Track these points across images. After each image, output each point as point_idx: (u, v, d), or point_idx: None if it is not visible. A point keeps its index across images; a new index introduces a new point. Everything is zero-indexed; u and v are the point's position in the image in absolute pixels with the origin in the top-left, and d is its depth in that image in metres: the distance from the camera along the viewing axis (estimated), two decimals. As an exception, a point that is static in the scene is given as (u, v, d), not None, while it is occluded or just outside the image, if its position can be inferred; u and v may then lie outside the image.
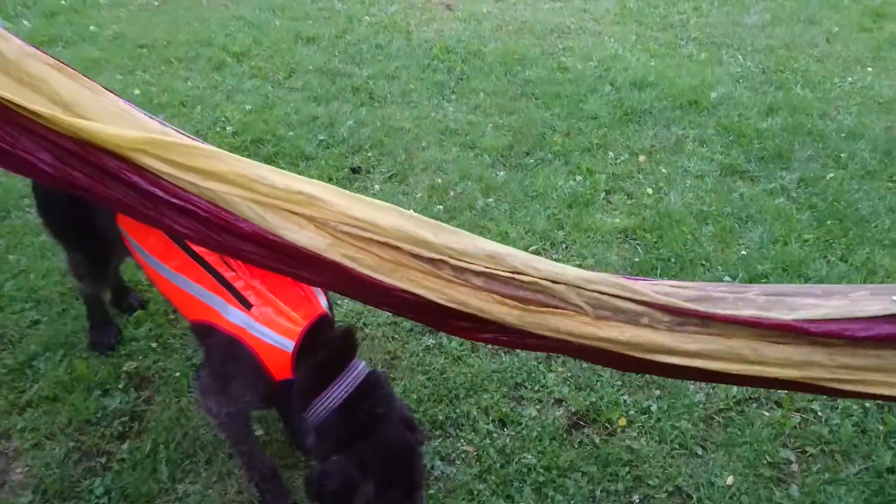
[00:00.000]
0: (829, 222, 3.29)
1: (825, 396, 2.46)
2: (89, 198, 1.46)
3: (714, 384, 2.51)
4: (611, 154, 3.75)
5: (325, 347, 1.74)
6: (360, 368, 1.79)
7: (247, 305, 1.68)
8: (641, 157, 3.74)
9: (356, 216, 1.34)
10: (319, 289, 1.83)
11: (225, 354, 1.74)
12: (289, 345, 1.68)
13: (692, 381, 2.52)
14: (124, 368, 2.38)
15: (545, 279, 1.29)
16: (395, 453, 1.74)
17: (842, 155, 3.78)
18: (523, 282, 1.30)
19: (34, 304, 2.56)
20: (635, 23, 5.09)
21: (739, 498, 2.17)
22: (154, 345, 2.46)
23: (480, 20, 4.97)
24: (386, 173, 3.48)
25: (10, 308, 2.54)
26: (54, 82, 1.42)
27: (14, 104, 1.35)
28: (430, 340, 2.60)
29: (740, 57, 4.75)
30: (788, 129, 4.01)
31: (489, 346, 2.61)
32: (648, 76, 4.41)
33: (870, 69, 4.72)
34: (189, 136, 1.56)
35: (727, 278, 2.93)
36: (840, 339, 1.13)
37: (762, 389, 2.50)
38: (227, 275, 1.71)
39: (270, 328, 1.68)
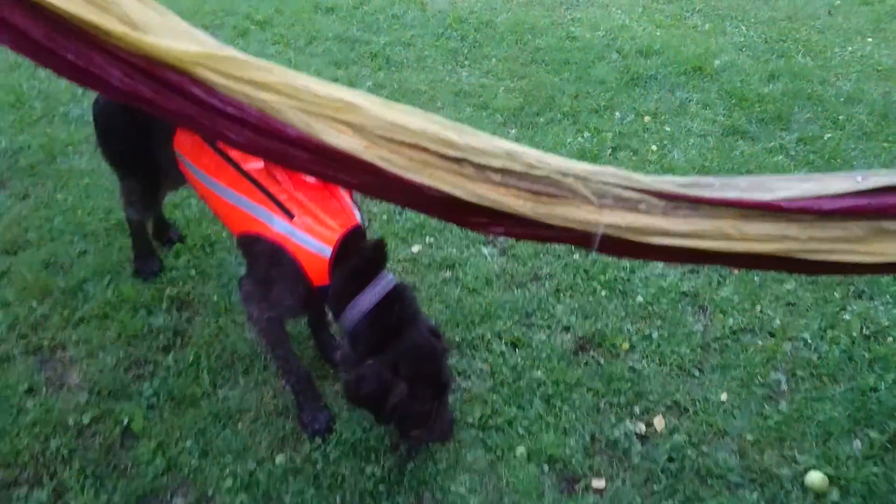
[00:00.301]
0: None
1: (814, 325, 2.65)
2: (153, 111, 1.64)
3: (710, 315, 2.71)
4: (617, 115, 3.93)
5: (358, 256, 1.93)
6: (389, 278, 1.99)
7: (290, 215, 1.88)
8: (646, 118, 3.91)
9: (389, 120, 1.53)
10: (354, 203, 2.03)
11: (269, 261, 1.94)
12: (327, 251, 1.87)
13: (692, 314, 2.71)
14: (166, 293, 2.59)
15: (556, 173, 1.47)
16: (423, 355, 1.94)
17: (840, 117, 3.95)
18: (537, 176, 1.49)
19: (82, 236, 2.78)
20: (643, -5, 5.26)
21: (732, 412, 2.36)
22: (193, 272, 2.67)
23: (492, -8, 5.15)
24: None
25: (60, 239, 2.76)
26: (124, 4, 1.60)
27: (88, 24, 1.54)
28: (447, 273, 2.80)
29: (743, 28, 4.91)
30: (788, 94, 4.17)
31: (502, 277, 2.81)
32: (654, 45, 4.57)
33: (870, 40, 4.87)
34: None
35: (726, 224, 3.11)
36: (810, 213, 1.31)
37: (756, 322, 2.69)
38: (273, 188, 1.91)
39: (311, 235, 1.87)
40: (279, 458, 2.11)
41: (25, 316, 2.46)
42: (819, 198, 1.30)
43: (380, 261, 1.98)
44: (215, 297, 2.58)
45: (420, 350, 1.94)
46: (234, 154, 1.97)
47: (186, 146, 2.04)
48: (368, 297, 1.92)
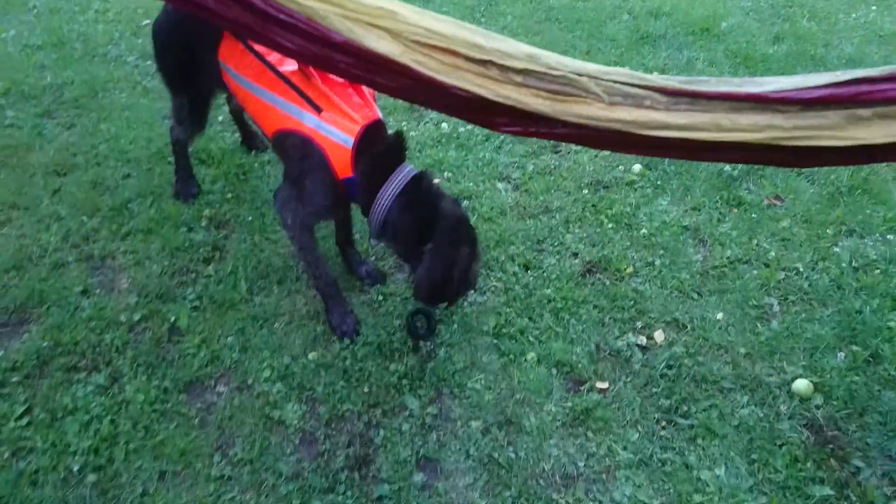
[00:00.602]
0: (823, 129, 3.63)
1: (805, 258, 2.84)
2: (214, 20, 1.83)
3: (709, 247, 2.90)
4: (627, 69, 4.08)
5: (379, 147, 2.12)
6: (410, 167, 2.17)
7: (318, 110, 2.07)
8: (654, 74, 4.07)
9: (423, 26, 1.72)
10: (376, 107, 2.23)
11: (300, 155, 2.14)
12: (349, 141, 2.07)
13: (692, 245, 2.90)
14: (205, 213, 2.79)
15: (572, 73, 1.66)
16: (459, 219, 2.14)
17: (842, 77, 4.10)
18: (555, 76, 1.67)
19: (125, 161, 2.98)
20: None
21: (727, 329, 2.56)
22: (229, 196, 2.87)
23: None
24: (423, 78, 3.86)
25: (105, 164, 2.96)
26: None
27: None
28: (464, 201, 2.99)
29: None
30: (792, 55, 4.33)
31: (515, 209, 3.00)
32: (664, 7, 4.73)
33: (874, 7, 5.01)
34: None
35: (726, 167, 3.29)
36: (794, 103, 1.49)
37: (753, 254, 2.87)
38: (304, 87, 2.11)
39: (336, 127, 2.07)
40: (312, 355, 2.32)
41: (77, 229, 2.67)
42: (802, 89, 1.49)
43: (400, 151, 2.16)
44: (250, 218, 2.78)
45: (456, 215, 2.14)
46: (272, 58, 2.18)
47: (229, 55, 2.26)
48: (395, 185, 2.10)
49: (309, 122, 2.08)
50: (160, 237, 2.66)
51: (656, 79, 1.61)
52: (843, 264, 2.83)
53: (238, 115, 3.06)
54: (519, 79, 1.71)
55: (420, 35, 1.73)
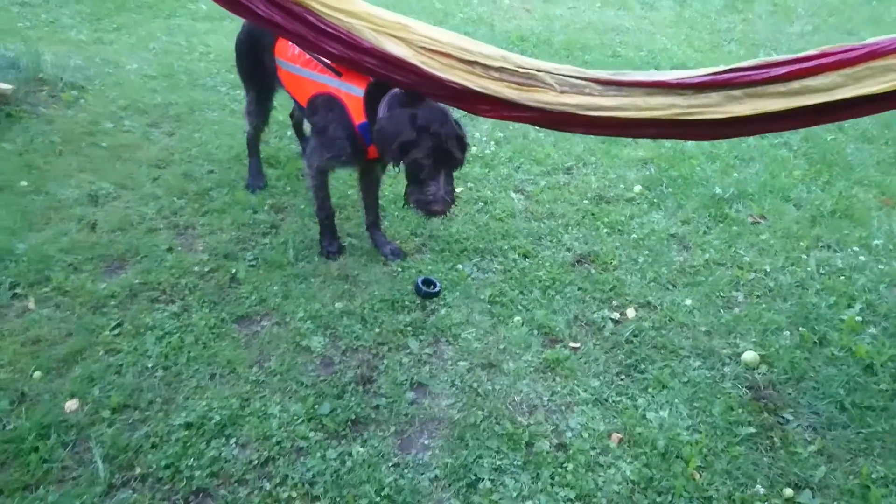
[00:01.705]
0: (818, 166, 4.02)
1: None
2: (279, 32, 2.51)
3: (691, 252, 3.32)
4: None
5: (384, 90, 2.73)
6: None
7: (339, 74, 2.77)
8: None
9: (428, 35, 2.34)
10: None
11: (325, 107, 2.85)
12: (360, 91, 2.74)
13: (676, 250, 3.33)
14: (268, 201, 3.46)
15: (533, 69, 2.23)
16: (437, 117, 2.60)
17: (845, 124, 4.49)
18: (521, 72, 2.24)
19: (210, 161, 3.72)
20: (687, 27, 5.96)
21: (693, 312, 2.97)
22: (288, 189, 3.54)
23: (552, 20, 5.98)
24: (460, 113, 4.48)
25: (194, 162, 3.71)
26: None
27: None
28: (480, 205, 3.55)
29: (774, 54, 5.51)
30: (804, 107, 4.74)
31: (524, 213, 3.53)
32: (688, 63, 5.26)
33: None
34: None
35: (718, 190, 3.73)
36: (688, 87, 1.98)
37: (730, 259, 3.28)
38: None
39: (351, 83, 2.76)
40: (338, 304, 2.88)
41: (168, 206, 3.38)
42: (693, 77, 2.01)
43: None
44: (302, 206, 3.42)
45: (435, 112, 2.62)
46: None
47: (280, 52, 3.06)
48: (390, 94, 2.70)
49: (332, 83, 2.81)
50: (231, 216, 3.33)
51: (592, 72, 2.16)
52: (810, 269, 3.20)
53: (298, 128, 3.80)
54: (496, 74, 2.30)
55: (426, 42, 2.35)
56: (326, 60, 2.78)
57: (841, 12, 6.36)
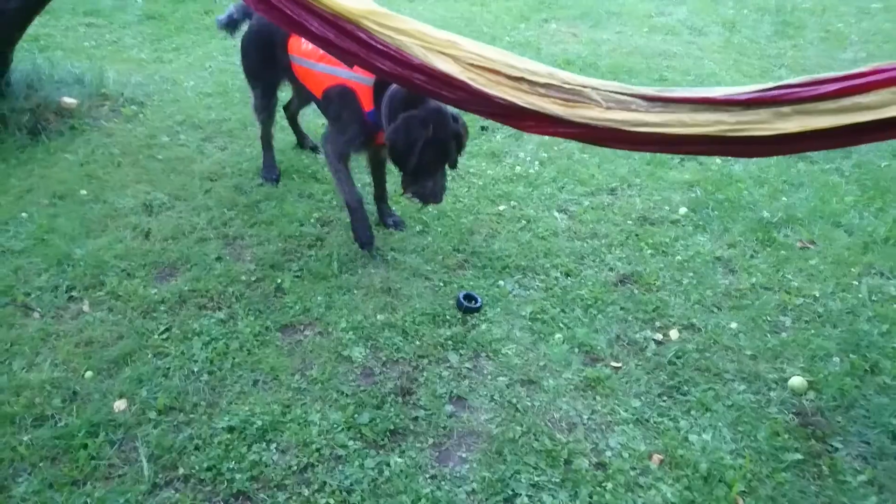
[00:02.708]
0: (871, 192, 3.92)
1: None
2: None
3: (737, 275, 3.26)
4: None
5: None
6: None
7: (350, 66, 2.85)
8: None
9: (476, 52, 2.37)
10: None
11: (339, 97, 3.09)
12: (370, 81, 2.98)
13: (721, 273, 3.28)
14: (314, 214, 3.53)
15: (579, 85, 2.24)
16: (437, 116, 2.87)
17: (900, 151, 4.38)
18: (567, 88, 2.26)
19: (259, 175, 3.82)
20: (736, 52, 5.91)
21: (738, 335, 2.91)
22: (334, 204, 3.61)
23: (599, 44, 6.00)
24: (506, 133, 4.52)
25: (245, 175, 3.82)
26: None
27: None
28: (522, 223, 3.56)
29: (826, 80, 5.41)
30: (857, 133, 4.64)
31: (566, 232, 3.52)
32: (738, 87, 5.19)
33: None
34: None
35: (766, 214, 3.67)
36: (736, 104, 1.97)
37: (777, 283, 3.21)
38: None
39: (361, 74, 2.91)
40: (380, 316, 2.91)
41: (219, 217, 3.48)
42: (741, 93, 1.99)
43: None
44: (347, 219, 3.48)
45: (438, 114, 2.87)
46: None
47: (294, 48, 3.24)
48: (392, 89, 2.93)
49: (344, 74, 3.03)
50: (278, 227, 3.41)
51: (638, 89, 2.17)
52: (862, 295, 3.11)
53: (293, 121, 4.11)
54: (542, 90, 2.31)
55: (473, 59, 2.39)
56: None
57: (895, 39, 6.25)
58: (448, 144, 2.94)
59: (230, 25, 3.64)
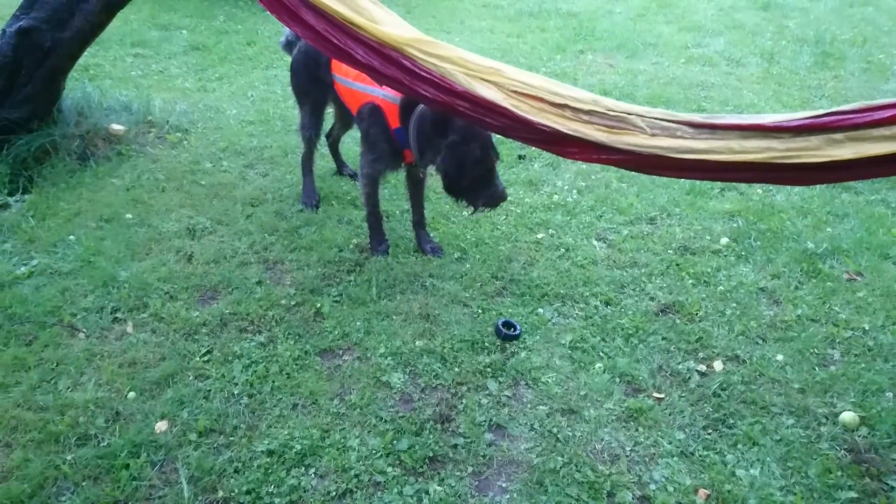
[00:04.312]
0: (919, 224, 3.83)
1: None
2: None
3: (782, 306, 3.19)
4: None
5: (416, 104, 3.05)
6: None
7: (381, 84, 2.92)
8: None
9: (519, 79, 2.39)
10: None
11: (370, 115, 3.22)
12: (396, 99, 3.09)
13: (766, 304, 3.21)
14: (353, 240, 3.56)
15: (623, 112, 2.24)
16: (475, 133, 3.00)
17: (949, 182, 4.27)
18: (611, 115, 2.25)
19: (299, 201, 3.87)
20: (775, 83, 5.85)
21: (785, 368, 2.83)
22: (372, 230, 3.64)
23: (636, 74, 6.00)
24: (544, 162, 4.53)
25: (286, 201, 3.87)
26: (368, 7, 2.61)
27: (347, 19, 2.56)
28: (561, 252, 3.54)
29: (869, 111, 5.33)
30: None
31: (605, 261, 3.49)
32: (777, 118, 5.14)
33: None
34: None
35: (810, 245, 3.59)
36: (786, 130, 1.94)
37: (824, 315, 3.13)
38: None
39: (389, 92, 3.00)
40: (418, 343, 2.90)
41: (260, 241, 3.52)
42: (792, 120, 1.97)
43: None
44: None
45: (472, 128, 2.95)
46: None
47: (336, 69, 3.38)
48: (419, 109, 3.06)
49: (375, 92, 3.17)
50: (318, 253, 3.44)
51: (685, 115, 2.16)
52: (913, 330, 3.01)
53: (334, 148, 4.25)
54: (586, 117, 2.32)
55: (516, 86, 2.41)
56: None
57: (940, 70, 6.14)
58: (489, 149, 3.06)
59: (288, 47, 3.84)
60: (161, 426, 2.48)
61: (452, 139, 2.98)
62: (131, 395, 2.61)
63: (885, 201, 4.10)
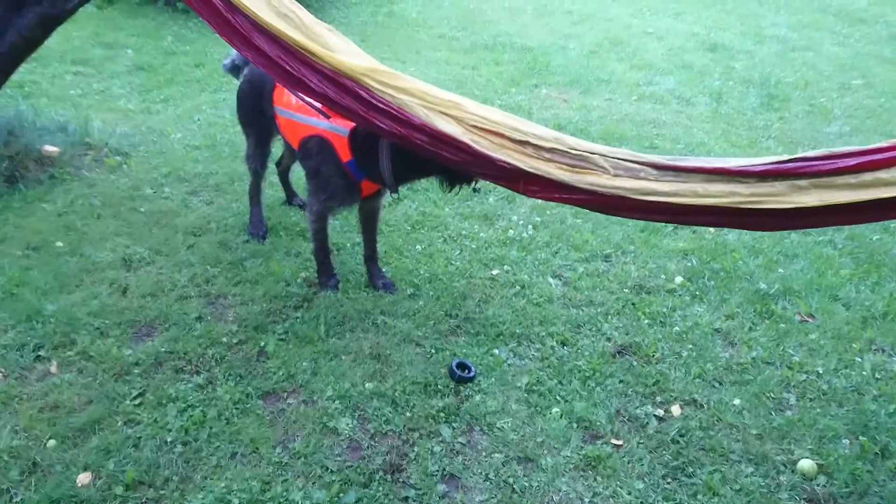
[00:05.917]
0: (866, 265, 3.89)
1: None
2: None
3: (737, 348, 3.17)
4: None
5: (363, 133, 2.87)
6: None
7: (327, 117, 2.86)
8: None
9: (479, 114, 2.31)
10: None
11: (317, 149, 2.99)
12: (345, 131, 2.90)
13: (721, 346, 3.18)
14: (302, 274, 3.40)
15: (586, 151, 2.18)
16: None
17: (892, 225, 4.37)
18: (574, 154, 2.19)
19: (245, 231, 3.69)
20: (724, 123, 5.97)
21: (742, 413, 2.79)
22: (322, 263, 3.49)
23: (589, 110, 6.04)
24: (499, 195, 4.46)
25: (231, 231, 3.68)
26: (324, 35, 2.51)
27: (303, 46, 2.45)
28: (517, 288, 3.45)
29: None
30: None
31: (561, 299, 3.42)
32: (728, 157, 5.22)
33: None
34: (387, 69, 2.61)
35: (763, 285, 3.60)
36: (751, 175, 1.91)
37: (778, 358, 3.11)
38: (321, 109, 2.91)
39: (337, 124, 2.87)
40: (368, 385, 2.75)
41: (202, 274, 3.33)
42: (757, 165, 1.93)
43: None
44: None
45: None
46: (300, 95, 2.92)
47: (278, 100, 3.19)
48: (384, 143, 2.85)
49: (321, 125, 2.97)
50: (264, 287, 3.26)
51: (648, 157, 2.10)
52: (865, 373, 3.02)
53: (283, 177, 4.07)
54: (548, 155, 2.25)
55: (476, 121, 2.33)
56: (317, 105, 2.89)
57: (878, 115, 6.35)
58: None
59: (233, 70, 3.58)
60: (83, 479, 2.26)
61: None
62: (51, 443, 2.38)
63: (833, 242, 4.16)
